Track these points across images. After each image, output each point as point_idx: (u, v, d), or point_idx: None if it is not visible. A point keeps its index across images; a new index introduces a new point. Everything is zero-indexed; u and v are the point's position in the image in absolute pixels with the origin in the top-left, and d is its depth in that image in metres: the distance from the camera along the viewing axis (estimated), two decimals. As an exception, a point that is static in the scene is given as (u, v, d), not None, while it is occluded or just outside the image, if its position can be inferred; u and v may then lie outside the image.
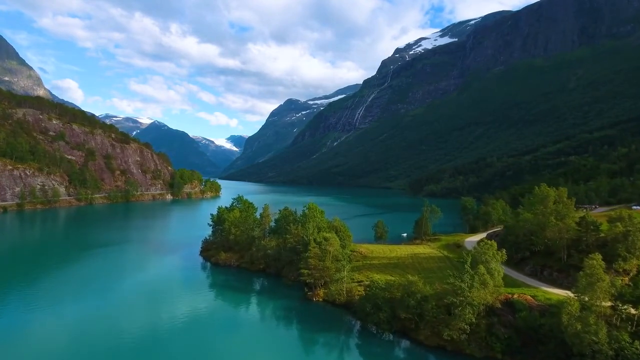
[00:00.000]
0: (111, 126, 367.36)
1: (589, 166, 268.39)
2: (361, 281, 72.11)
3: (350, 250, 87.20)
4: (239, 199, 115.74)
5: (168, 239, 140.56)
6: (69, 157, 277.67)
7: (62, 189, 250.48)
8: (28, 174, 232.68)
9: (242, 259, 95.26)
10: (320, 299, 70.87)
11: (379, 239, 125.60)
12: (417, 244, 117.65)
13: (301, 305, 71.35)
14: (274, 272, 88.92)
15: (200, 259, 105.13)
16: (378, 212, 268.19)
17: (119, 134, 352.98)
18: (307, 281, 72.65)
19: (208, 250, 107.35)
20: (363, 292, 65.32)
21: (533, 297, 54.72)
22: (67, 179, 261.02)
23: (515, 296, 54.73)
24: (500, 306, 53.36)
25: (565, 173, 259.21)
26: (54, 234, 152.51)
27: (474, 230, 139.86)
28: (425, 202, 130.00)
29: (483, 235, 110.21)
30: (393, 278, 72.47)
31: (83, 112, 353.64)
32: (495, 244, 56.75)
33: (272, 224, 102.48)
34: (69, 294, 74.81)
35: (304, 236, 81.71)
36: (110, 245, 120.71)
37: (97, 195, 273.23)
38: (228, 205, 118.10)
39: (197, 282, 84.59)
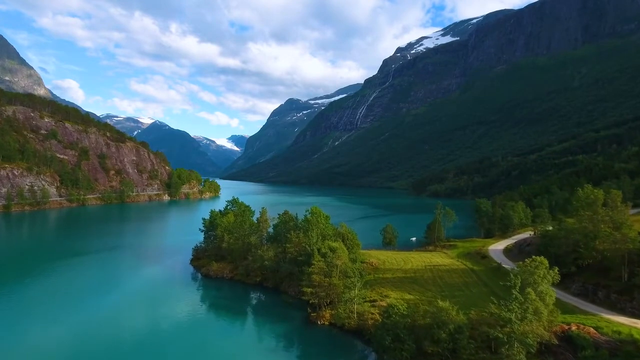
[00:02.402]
0: (106, 124, 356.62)
1: (601, 165, 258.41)
2: (374, 300, 60.96)
3: (361, 261, 76.06)
4: (233, 202, 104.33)
5: (158, 245, 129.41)
6: (61, 156, 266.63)
7: (52, 190, 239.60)
8: (16, 174, 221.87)
9: (236, 270, 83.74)
10: (326, 322, 59.45)
11: (387, 244, 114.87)
12: (431, 250, 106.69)
13: (303, 328, 60.22)
14: (272, 285, 77.53)
15: (191, 269, 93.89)
16: (382, 213, 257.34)
17: (114, 132, 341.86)
18: (311, 301, 61.34)
19: (199, 259, 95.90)
20: (377, 316, 54.39)
21: (596, 328, 43.80)
22: (59, 179, 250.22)
23: (573, 328, 43.75)
24: (556, 341, 42.34)
25: (576, 172, 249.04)
26: (33, 238, 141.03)
27: (489, 235, 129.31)
28: (438, 204, 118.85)
29: (507, 242, 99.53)
30: (412, 297, 61.58)
31: (77, 110, 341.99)
32: (546, 261, 45.74)
33: (271, 229, 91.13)
34: (30, 314, 63.96)
35: (307, 246, 70.59)
36: (93, 253, 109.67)
37: (90, 196, 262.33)
38: (223, 208, 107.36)
39: (183, 299, 73.33)
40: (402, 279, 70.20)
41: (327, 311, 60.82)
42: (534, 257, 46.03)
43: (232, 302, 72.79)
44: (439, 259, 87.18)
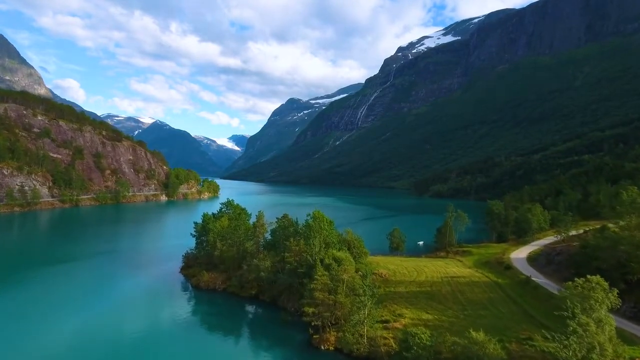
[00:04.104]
0: (102, 123, 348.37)
1: (611, 165, 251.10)
2: (387, 321, 52.39)
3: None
4: (228, 204, 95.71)
5: (148, 250, 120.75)
6: (55, 155, 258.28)
7: (44, 190, 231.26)
8: (5, 173, 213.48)
9: (230, 281, 75.18)
10: (331, 347, 50.78)
11: (395, 250, 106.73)
12: (443, 257, 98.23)
13: (304, 353, 51.56)
14: (269, 299, 68.79)
15: (181, 278, 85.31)
16: (385, 214, 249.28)
17: (110, 131, 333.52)
18: (313, 323, 52.57)
19: (189, 267, 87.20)
20: (392, 341, 46.10)
21: (669, 366, 35.60)
22: (51, 179, 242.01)
23: (642, 366, 35.57)
24: (623, 385, 34.10)
25: (585, 172, 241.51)
26: (15, 242, 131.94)
27: (501, 239, 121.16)
28: (450, 207, 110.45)
29: (528, 249, 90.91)
30: (430, 316, 53.17)
31: (72, 108, 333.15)
32: (604, 282, 37.40)
33: (268, 235, 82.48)
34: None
35: (308, 256, 62.17)
36: (77, 259, 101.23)
37: (84, 197, 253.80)
38: (217, 210, 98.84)
39: (169, 314, 64.86)
40: (417, 294, 61.62)
41: (332, 333, 52.13)
42: (588, 276, 37.71)
43: (222, 320, 64.17)
44: (455, 268, 78.57)
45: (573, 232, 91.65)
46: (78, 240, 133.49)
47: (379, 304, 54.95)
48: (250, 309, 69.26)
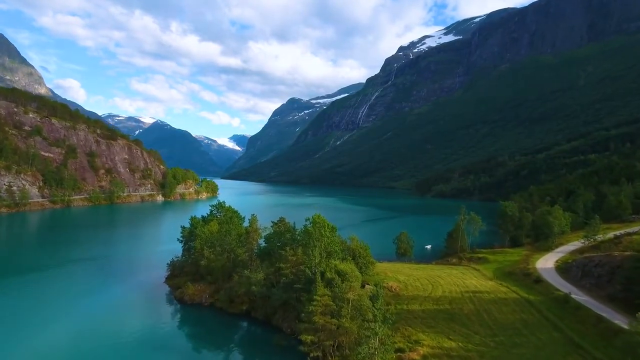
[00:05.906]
0: (96, 121, 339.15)
1: (622, 165, 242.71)
2: (401, 350, 43.29)
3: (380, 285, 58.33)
4: (219, 206, 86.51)
5: (134, 255, 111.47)
6: (47, 154, 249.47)
7: (34, 190, 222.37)
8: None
9: (218, 295, 65.96)
10: (335, 382, 42.04)
11: (402, 255, 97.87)
12: (455, 264, 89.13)
13: (302, 388, 42.91)
14: (262, 317, 59.45)
15: (165, 289, 76.07)
16: (388, 215, 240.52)
17: (105, 129, 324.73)
18: (313, 355, 43.41)
19: (175, 276, 78.06)
20: (410, 379, 37.35)
21: None
22: (42, 178, 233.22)
23: None
24: None
25: (596, 172, 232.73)
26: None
27: (515, 244, 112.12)
28: (462, 208, 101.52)
29: (553, 256, 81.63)
30: (454, 344, 44.05)
31: (65, 106, 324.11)
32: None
33: (262, 241, 73.24)
34: None
35: (306, 268, 53.18)
36: (51, 268, 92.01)
37: (77, 197, 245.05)
38: (207, 213, 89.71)
39: (145, 334, 55.52)
40: (435, 314, 52.25)
41: (335, 363, 43.21)
42: None
43: (206, 342, 54.69)
44: (474, 280, 69.24)
45: (599, 237, 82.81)
46: (60, 244, 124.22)
47: (391, 327, 45.95)
48: (239, 328, 59.78)
